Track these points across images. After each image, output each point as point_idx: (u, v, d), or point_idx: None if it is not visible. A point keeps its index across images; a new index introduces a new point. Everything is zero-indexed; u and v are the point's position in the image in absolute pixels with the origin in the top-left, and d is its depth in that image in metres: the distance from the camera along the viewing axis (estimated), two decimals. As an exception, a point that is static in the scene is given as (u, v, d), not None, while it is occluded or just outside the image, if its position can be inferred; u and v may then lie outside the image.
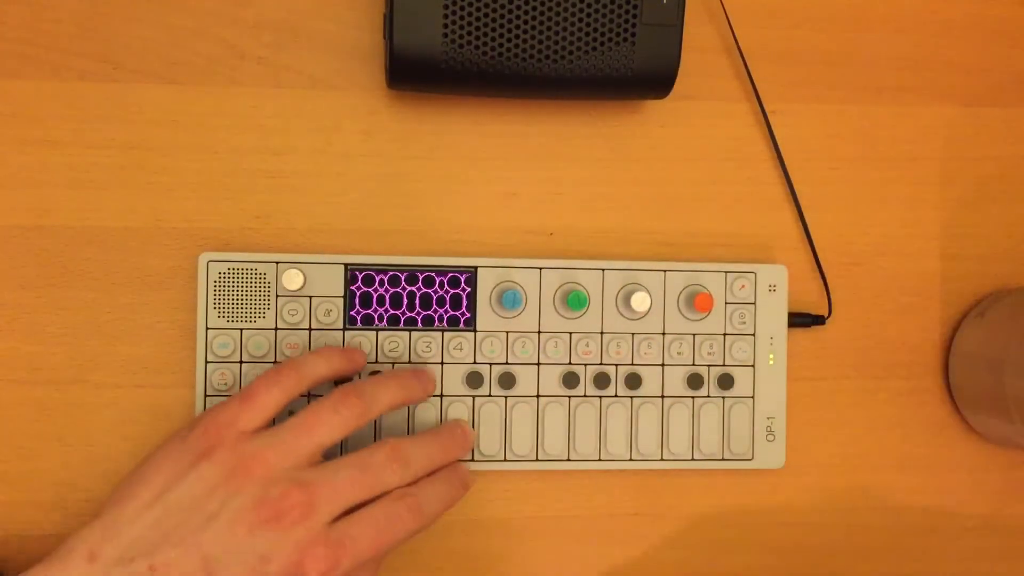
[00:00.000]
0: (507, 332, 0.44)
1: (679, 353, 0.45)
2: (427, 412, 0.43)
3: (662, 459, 0.45)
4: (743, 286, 0.45)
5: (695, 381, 0.45)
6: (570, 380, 0.44)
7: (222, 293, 0.42)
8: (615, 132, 0.46)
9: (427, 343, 0.43)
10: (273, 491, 0.35)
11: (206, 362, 0.42)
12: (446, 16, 0.39)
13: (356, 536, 0.36)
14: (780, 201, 0.47)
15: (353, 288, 0.43)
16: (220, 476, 0.35)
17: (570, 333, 0.44)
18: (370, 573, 0.38)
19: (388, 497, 0.38)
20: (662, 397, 0.45)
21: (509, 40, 0.40)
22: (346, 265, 0.43)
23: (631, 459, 0.45)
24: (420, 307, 0.43)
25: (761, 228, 0.47)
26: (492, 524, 0.45)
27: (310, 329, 0.43)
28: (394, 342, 0.43)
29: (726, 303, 0.45)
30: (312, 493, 0.35)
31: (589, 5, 0.40)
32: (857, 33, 0.47)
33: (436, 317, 0.43)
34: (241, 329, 0.42)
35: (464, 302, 0.43)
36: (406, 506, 0.37)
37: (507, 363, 0.44)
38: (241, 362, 0.42)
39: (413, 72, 0.41)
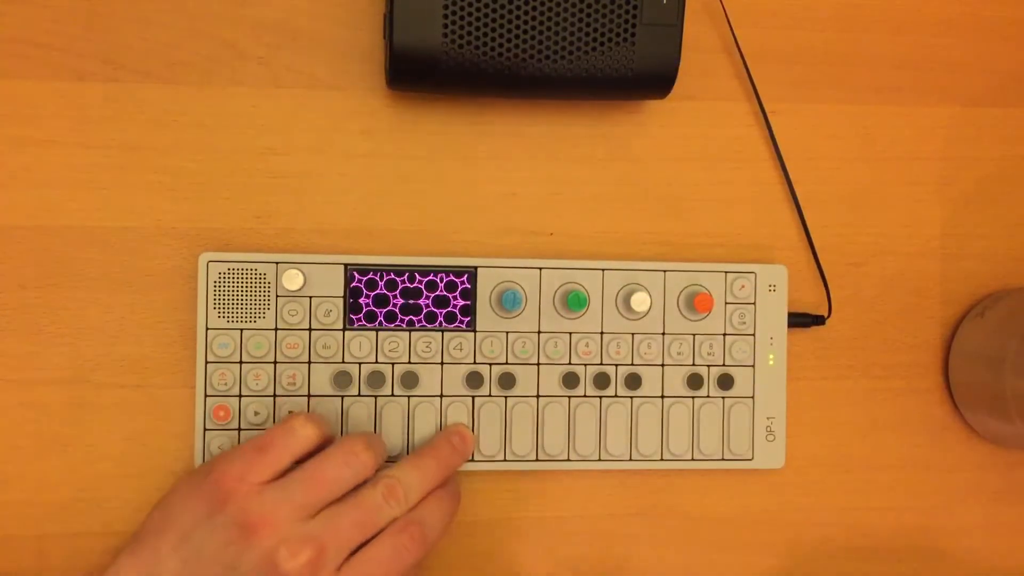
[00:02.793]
0: (507, 332, 0.44)
1: (679, 353, 0.45)
2: (427, 413, 0.43)
3: (662, 459, 0.45)
4: (743, 286, 0.45)
5: (695, 381, 0.45)
6: (570, 380, 0.44)
7: (222, 293, 0.42)
8: (615, 132, 0.46)
9: (427, 343, 0.43)
10: (283, 551, 0.36)
11: (206, 362, 0.42)
12: (446, 16, 0.39)
13: None
14: (780, 201, 0.47)
15: (353, 288, 0.43)
16: (233, 531, 0.36)
17: (570, 333, 0.44)
18: None
19: (392, 529, 0.38)
20: (662, 397, 0.45)
21: (509, 40, 0.40)
22: (346, 265, 0.43)
23: (631, 459, 0.45)
24: (420, 307, 0.43)
25: (761, 228, 0.47)
26: (492, 524, 0.45)
27: (310, 329, 0.43)
28: (394, 342, 0.43)
29: (726, 303, 0.45)
30: (320, 547, 0.36)
31: (589, 5, 0.40)
32: (857, 33, 0.47)
33: (436, 317, 0.43)
34: (241, 329, 0.42)
35: (464, 302, 0.43)
36: (410, 536, 0.38)
37: (507, 363, 0.44)
38: (241, 362, 0.42)
39: (413, 72, 0.41)
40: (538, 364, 0.44)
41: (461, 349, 0.44)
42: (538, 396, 0.44)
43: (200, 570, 0.36)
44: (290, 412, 0.42)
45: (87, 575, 0.40)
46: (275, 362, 0.43)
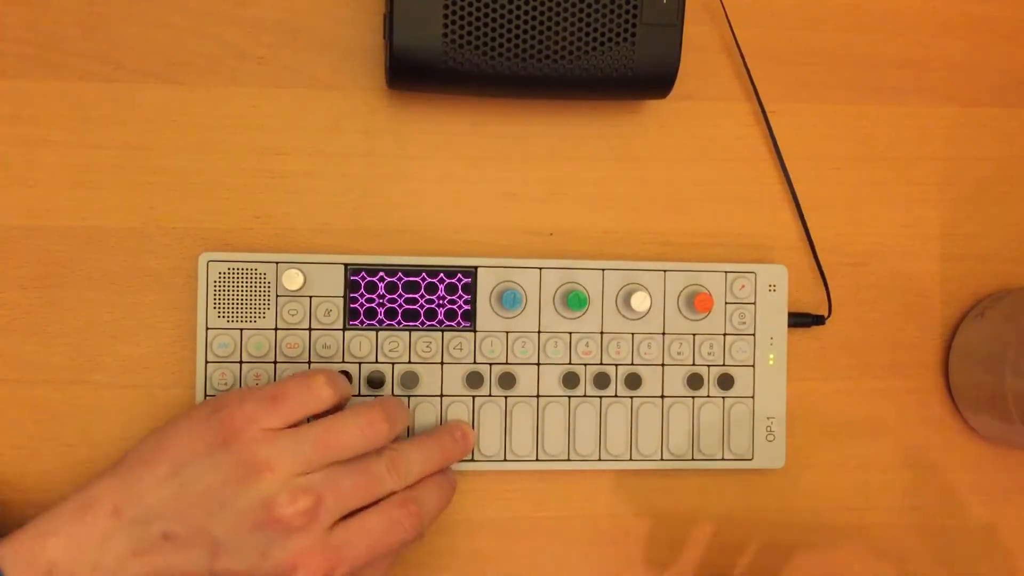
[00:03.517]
0: (507, 332, 0.44)
1: (679, 353, 0.45)
2: (427, 412, 0.43)
3: (662, 459, 0.45)
4: (743, 286, 0.45)
5: (695, 381, 0.45)
6: (570, 380, 0.44)
7: (222, 293, 0.42)
8: (615, 132, 0.46)
9: (427, 343, 0.43)
10: (282, 496, 0.36)
11: (206, 362, 0.42)
12: (446, 16, 0.39)
13: (354, 544, 0.37)
14: (780, 201, 0.47)
15: (353, 288, 0.43)
16: (234, 470, 0.36)
17: (570, 333, 0.44)
18: (379, 572, 0.39)
19: (390, 503, 0.38)
20: (662, 397, 0.45)
21: (509, 40, 0.40)
22: (346, 265, 0.43)
23: (631, 459, 0.45)
24: (420, 307, 0.43)
25: (761, 228, 0.47)
26: (492, 524, 0.45)
27: (310, 329, 0.43)
28: (394, 342, 0.43)
29: (726, 303, 0.45)
30: (318, 501, 0.36)
31: (589, 5, 0.40)
32: (857, 33, 0.47)
33: (436, 317, 0.43)
34: (241, 329, 0.42)
35: (464, 302, 0.43)
36: (407, 512, 0.38)
37: (507, 363, 0.44)
38: (241, 362, 0.42)
39: (413, 72, 0.41)
40: (538, 364, 0.44)
41: (461, 349, 0.44)
42: (538, 396, 0.44)
43: (188, 503, 0.36)
44: (311, 368, 0.42)
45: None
46: (275, 362, 0.43)
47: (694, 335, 0.45)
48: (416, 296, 0.43)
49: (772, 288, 0.46)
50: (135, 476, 0.36)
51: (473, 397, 0.44)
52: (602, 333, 0.45)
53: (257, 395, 0.37)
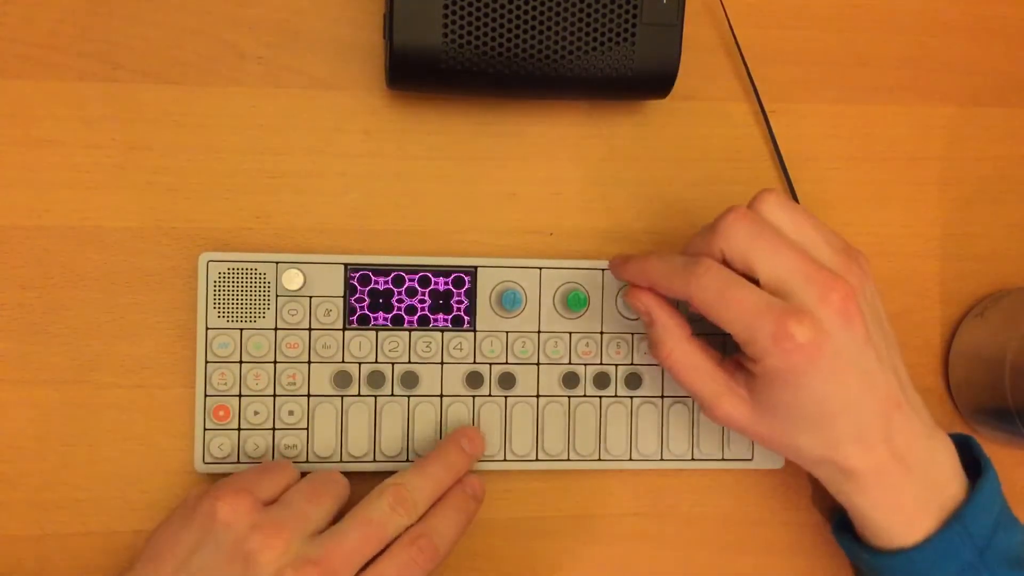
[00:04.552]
0: (507, 332, 0.44)
1: (679, 353, 0.45)
2: (427, 413, 0.43)
3: (662, 459, 0.45)
4: (743, 286, 0.45)
5: (695, 381, 0.45)
6: (570, 380, 0.44)
7: (222, 293, 0.42)
8: (615, 132, 0.46)
9: (427, 343, 0.43)
10: (290, 572, 0.35)
11: (206, 362, 0.42)
12: (446, 16, 0.39)
13: None
14: (780, 201, 0.47)
15: (353, 288, 0.43)
16: (237, 546, 0.35)
17: (570, 333, 0.44)
18: None
19: (399, 544, 0.37)
20: (662, 397, 0.45)
21: (509, 40, 0.40)
22: (346, 265, 0.43)
23: (631, 459, 0.45)
24: (420, 307, 0.43)
25: (761, 228, 0.47)
26: (492, 524, 0.45)
27: (310, 329, 0.43)
28: (394, 342, 0.43)
29: (726, 303, 0.45)
30: (328, 566, 0.35)
31: (589, 5, 0.40)
32: (857, 33, 0.47)
33: (436, 317, 0.43)
34: (241, 329, 0.42)
35: (464, 302, 0.43)
36: (419, 549, 0.37)
37: (507, 363, 0.44)
38: (241, 362, 0.42)
39: (413, 72, 0.41)
40: (538, 364, 0.44)
41: (461, 349, 0.44)
42: (538, 396, 0.44)
43: None
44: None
45: None
46: (275, 362, 0.43)
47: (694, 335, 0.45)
48: (416, 296, 0.43)
49: (772, 288, 0.45)
50: None
51: (473, 397, 0.44)
52: (602, 333, 0.45)
53: (246, 470, 0.39)
